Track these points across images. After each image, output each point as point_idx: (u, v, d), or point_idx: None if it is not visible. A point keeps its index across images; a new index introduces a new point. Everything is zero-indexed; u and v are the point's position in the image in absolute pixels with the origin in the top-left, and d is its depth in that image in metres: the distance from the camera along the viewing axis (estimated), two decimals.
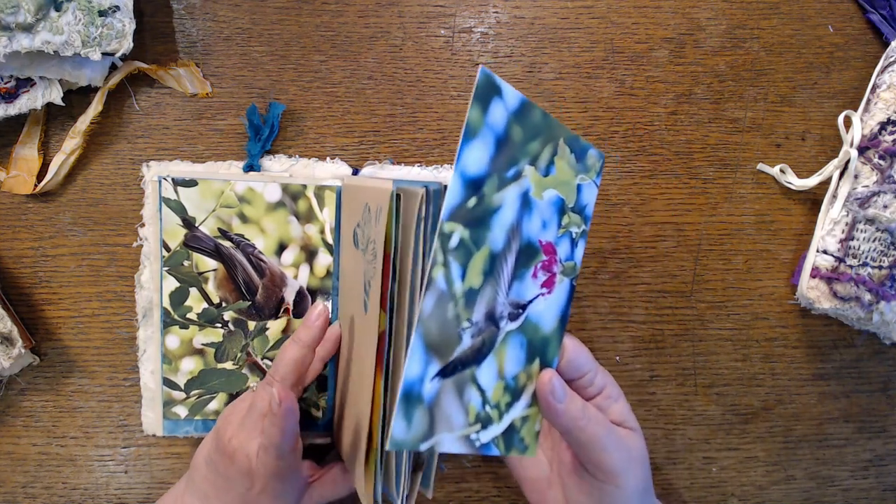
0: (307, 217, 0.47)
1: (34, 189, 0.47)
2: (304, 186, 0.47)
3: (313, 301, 0.48)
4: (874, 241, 0.45)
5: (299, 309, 0.48)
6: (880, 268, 0.45)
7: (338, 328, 0.46)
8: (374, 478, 0.39)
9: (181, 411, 0.48)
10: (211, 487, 0.41)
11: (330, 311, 0.47)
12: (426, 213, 0.37)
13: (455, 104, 0.49)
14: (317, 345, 0.44)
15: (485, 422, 0.34)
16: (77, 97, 0.47)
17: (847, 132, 0.47)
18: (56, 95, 0.46)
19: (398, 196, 0.37)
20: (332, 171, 0.48)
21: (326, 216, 0.47)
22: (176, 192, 0.47)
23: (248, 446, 0.39)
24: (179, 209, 0.47)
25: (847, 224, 0.46)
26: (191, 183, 0.47)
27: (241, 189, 0.47)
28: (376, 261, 0.39)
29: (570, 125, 0.49)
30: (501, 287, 0.34)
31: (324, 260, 0.48)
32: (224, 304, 0.47)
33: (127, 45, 0.44)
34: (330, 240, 0.47)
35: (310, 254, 0.47)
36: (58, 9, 0.43)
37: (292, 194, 0.47)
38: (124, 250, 0.48)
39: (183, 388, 0.48)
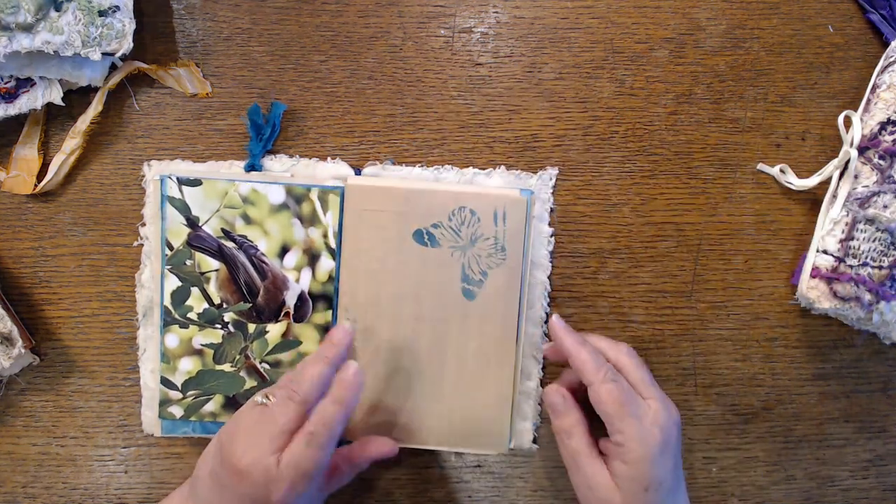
0: (311, 220, 0.47)
1: (34, 189, 0.47)
2: (308, 189, 0.47)
3: (314, 305, 0.48)
4: (874, 241, 0.45)
5: (300, 313, 0.48)
6: (880, 268, 0.45)
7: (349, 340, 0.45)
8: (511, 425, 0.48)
9: (177, 411, 0.48)
10: (219, 502, 0.40)
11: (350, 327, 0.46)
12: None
13: (455, 104, 0.49)
14: (340, 363, 0.43)
15: None
16: (77, 97, 0.47)
17: (847, 132, 0.47)
18: (56, 95, 0.46)
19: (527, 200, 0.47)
20: (334, 172, 0.48)
21: (330, 220, 0.47)
22: (181, 190, 0.47)
23: (266, 461, 0.38)
24: (183, 208, 0.47)
25: (847, 224, 0.46)
26: (195, 182, 0.47)
27: (246, 190, 0.47)
28: (504, 254, 0.47)
29: (570, 125, 0.49)
30: None
31: (326, 264, 0.47)
32: (225, 305, 0.47)
33: (127, 45, 0.44)
34: (333, 244, 0.47)
35: (312, 257, 0.47)
36: (58, 9, 0.43)
37: (296, 197, 0.47)
38: (124, 250, 0.48)
39: (180, 388, 0.48)
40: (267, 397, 0.40)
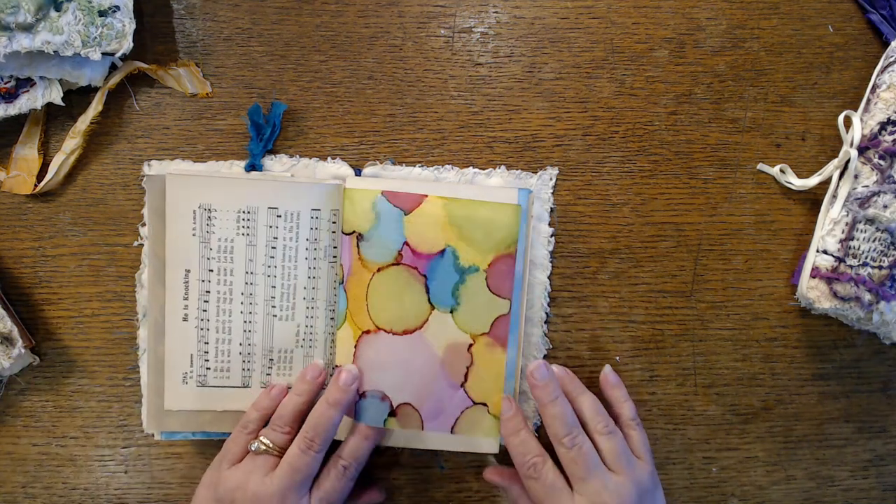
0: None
1: (34, 189, 0.47)
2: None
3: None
4: (874, 241, 0.45)
5: None
6: (880, 268, 0.45)
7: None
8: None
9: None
10: None
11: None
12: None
13: (455, 104, 0.49)
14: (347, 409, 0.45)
15: None
16: (77, 97, 0.47)
17: (847, 132, 0.47)
18: (56, 95, 0.46)
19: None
20: (334, 172, 0.48)
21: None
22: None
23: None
24: None
25: (847, 224, 0.46)
26: None
27: None
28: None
29: (570, 125, 0.49)
30: None
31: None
32: None
33: (127, 45, 0.44)
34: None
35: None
36: (58, 9, 0.43)
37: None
38: (124, 250, 0.48)
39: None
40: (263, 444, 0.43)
